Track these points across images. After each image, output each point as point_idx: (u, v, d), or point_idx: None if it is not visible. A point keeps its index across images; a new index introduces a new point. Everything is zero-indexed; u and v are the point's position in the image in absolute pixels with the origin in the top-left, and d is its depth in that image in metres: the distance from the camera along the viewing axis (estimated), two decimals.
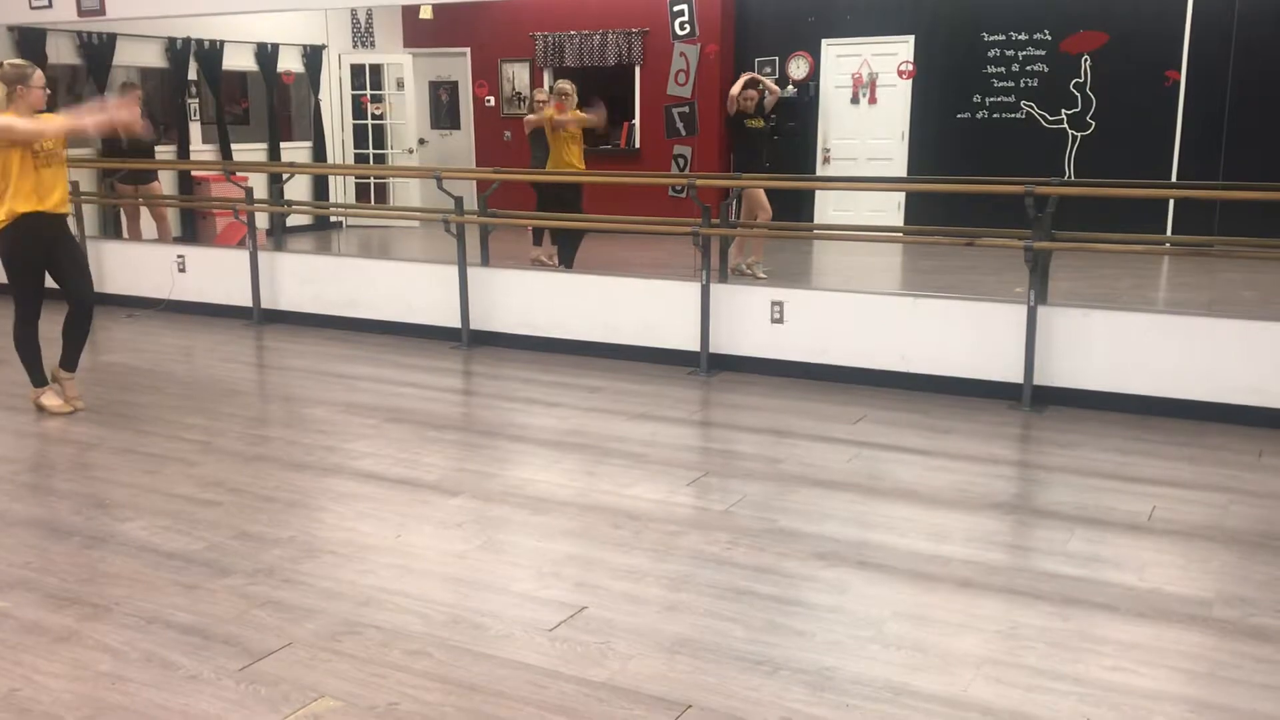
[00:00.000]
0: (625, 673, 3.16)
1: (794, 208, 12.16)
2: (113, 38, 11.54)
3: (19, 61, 5.66)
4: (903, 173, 12.74)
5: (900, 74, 12.56)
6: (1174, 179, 11.24)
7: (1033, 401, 5.80)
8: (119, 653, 3.29)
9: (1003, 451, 5.25)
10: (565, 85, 9.06)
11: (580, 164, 9.17)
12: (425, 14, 13.33)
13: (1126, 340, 5.67)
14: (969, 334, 6.01)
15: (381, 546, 4.09)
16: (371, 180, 14.55)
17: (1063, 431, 5.44)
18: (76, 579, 3.82)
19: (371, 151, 14.52)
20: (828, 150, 13.27)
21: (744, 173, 8.55)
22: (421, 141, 14.81)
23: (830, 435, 5.41)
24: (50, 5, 8.58)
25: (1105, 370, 5.72)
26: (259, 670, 3.19)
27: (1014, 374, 5.87)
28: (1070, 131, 12.06)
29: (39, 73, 5.51)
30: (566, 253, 8.81)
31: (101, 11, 8.34)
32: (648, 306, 6.89)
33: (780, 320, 6.45)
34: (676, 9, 13.56)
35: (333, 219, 14.39)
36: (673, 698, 3.03)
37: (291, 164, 13.02)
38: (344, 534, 4.21)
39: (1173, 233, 10.77)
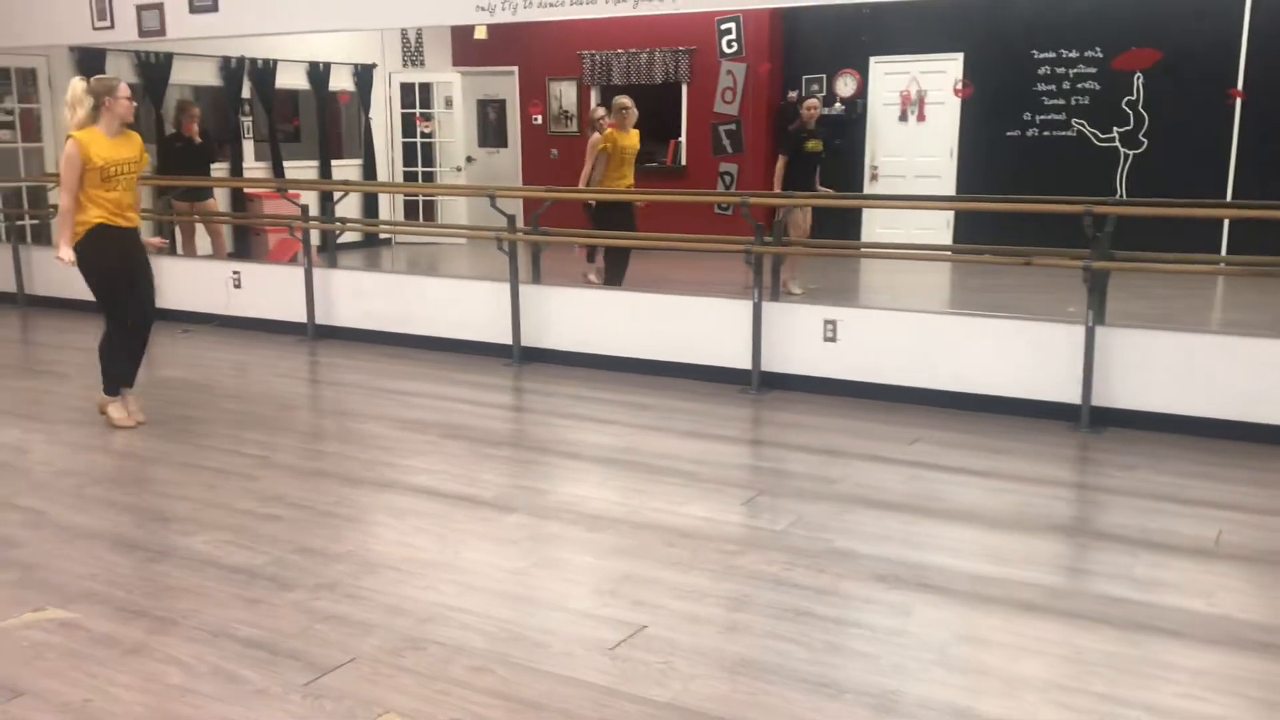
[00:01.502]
0: (688, 693, 3.16)
1: (841, 226, 12.12)
2: (169, 57, 11.77)
3: (104, 75, 5.78)
4: (951, 190, 12.69)
5: (956, 92, 12.50)
6: (1229, 198, 11.10)
7: (1090, 422, 5.74)
8: (188, 666, 3.34)
9: (1062, 473, 5.20)
10: (625, 100, 9.05)
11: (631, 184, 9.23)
12: (480, 34, 13.46)
13: (1187, 361, 5.60)
14: (1025, 354, 5.97)
15: (440, 562, 4.11)
16: (420, 198, 14.70)
17: (1122, 453, 5.38)
18: (143, 592, 3.87)
19: (420, 169, 14.67)
20: (875, 168, 13.23)
21: (796, 193, 8.58)
22: (469, 159, 14.93)
23: (886, 455, 5.39)
24: (112, 26, 8.73)
25: (1165, 391, 5.65)
26: (325, 685, 3.21)
27: (1071, 394, 5.82)
28: (1122, 149, 11.95)
29: (124, 85, 5.65)
30: (615, 272, 8.82)
31: (162, 32, 8.49)
32: (699, 324, 6.90)
33: (833, 339, 6.43)
34: (724, 28, 13.62)
35: (382, 236, 14.53)
36: (736, 719, 3.02)
37: (348, 182, 13.22)
38: (403, 550, 4.24)
39: (1229, 252, 10.64)
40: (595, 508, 4.69)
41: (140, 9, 8.53)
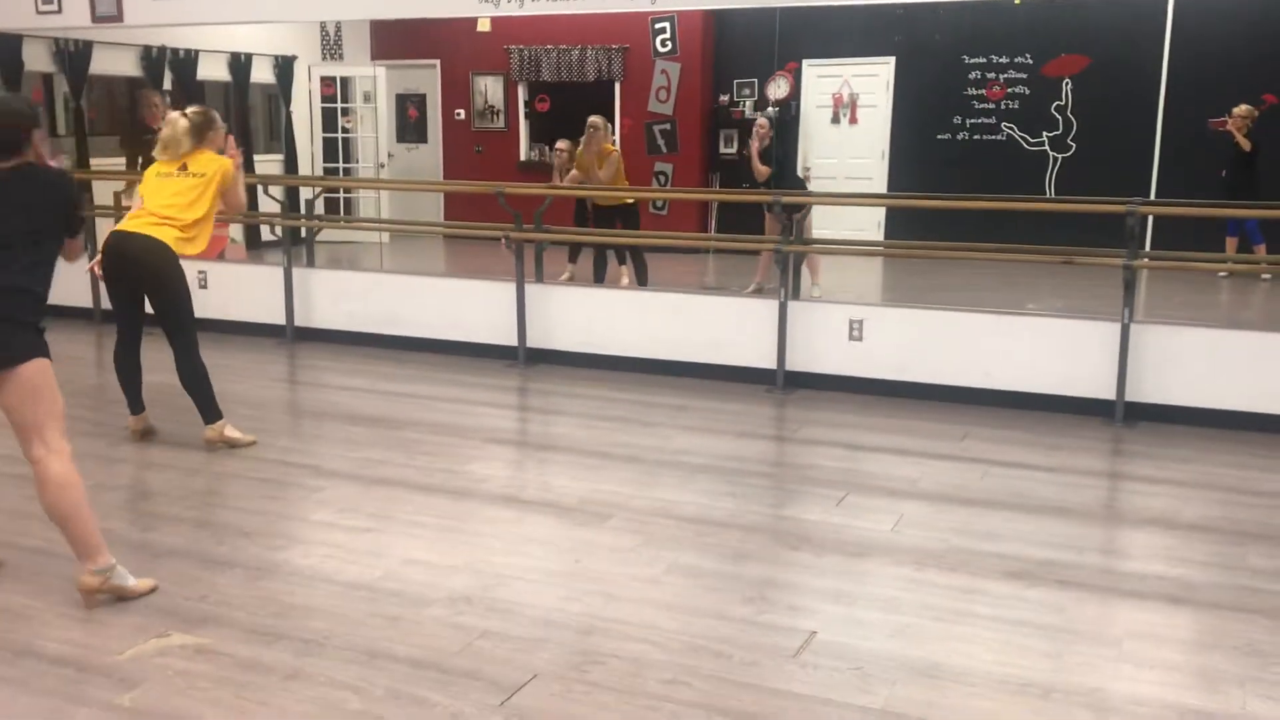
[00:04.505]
0: (899, 699, 3.10)
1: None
2: (89, 45, 11.10)
3: (202, 108, 5.54)
4: (883, 190, 12.93)
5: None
6: (1153, 197, 11.55)
7: (1125, 417, 5.89)
8: (362, 690, 3.13)
9: (1126, 467, 5.33)
10: (596, 120, 8.96)
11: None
12: (484, 26, 13.14)
13: (1217, 357, 5.79)
14: (1056, 350, 6.09)
15: (566, 572, 3.97)
16: (340, 194, 14.24)
17: (1168, 446, 5.53)
18: (267, 613, 3.62)
19: (341, 165, 14.20)
20: (808, 169, 13.36)
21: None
22: (389, 155, 14.54)
23: (947, 453, 5.42)
24: (60, 10, 8.20)
25: (1195, 386, 5.83)
26: (521, 705, 3.05)
27: (1101, 389, 5.96)
28: (1051, 153, 12.36)
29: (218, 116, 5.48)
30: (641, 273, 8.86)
31: (119, 18, 8.00)
32: (719, 324, 6.84)
33: (859, 338, 6.46)
34: (658, 26, 13.57)
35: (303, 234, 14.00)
36: None
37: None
38: (520, 559, 4.07)
39: (1152, 247, 11.06)
40: (691, 511, 4.58)
41: None
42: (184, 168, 5.31)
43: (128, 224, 5.32)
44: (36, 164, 3.65)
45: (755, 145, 9.24)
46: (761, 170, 9.16)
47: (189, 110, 5.46)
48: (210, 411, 5.43)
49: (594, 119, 8.91)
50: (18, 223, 3.55)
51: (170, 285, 5.33)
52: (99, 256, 5.40)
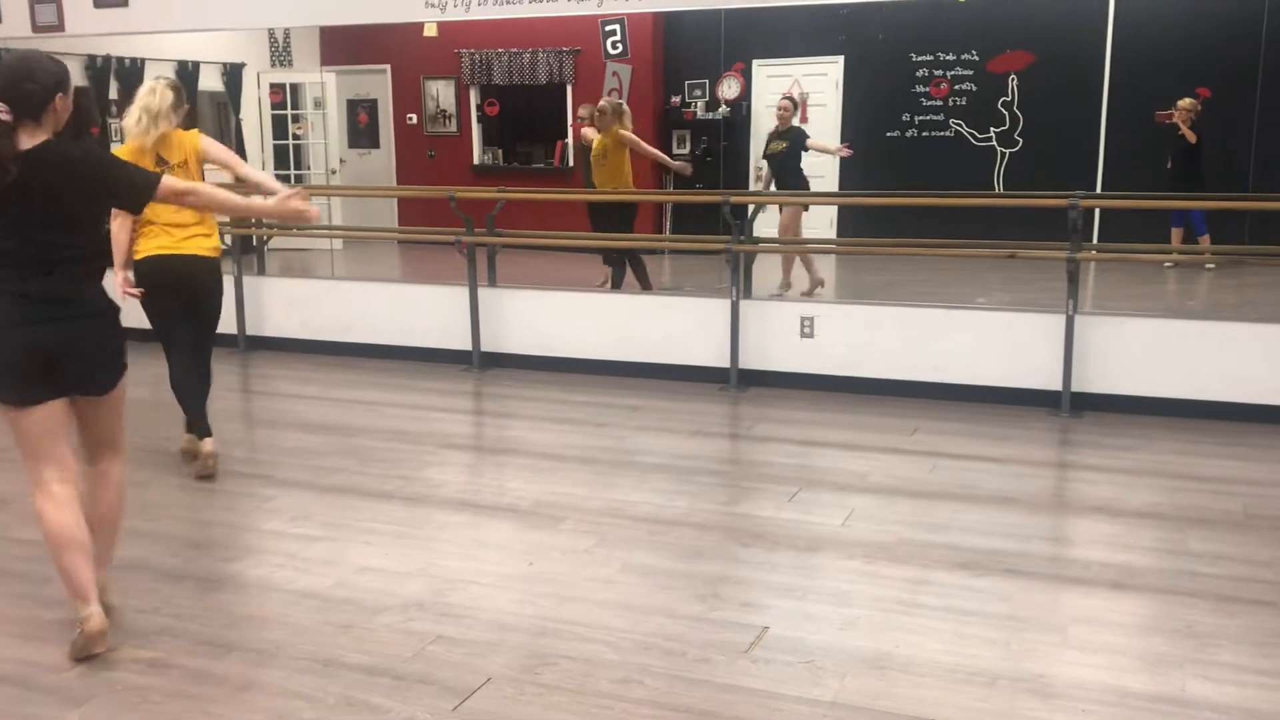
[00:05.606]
0: (849, 691, 3.15)
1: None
2: None
3: (173, 80, 5.11)
4: (834, 188, 13.01)
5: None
6: (1098, 191, 11.72)
7: (1070, 407, 5.98)
8: (315, 699, 3.13)
9: (1070, 456, 5.42)
10: (604, 104, 8.96)
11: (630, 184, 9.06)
12: (430, 31, 13.07)
13: (1158, 346, 5.90)
14: (1003, 343, 6.18)
15: (520, 575, 3.98)
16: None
17: (1113, 435, 5.63)
18: (218, 624, 3.61)
19: (292, 172, 14.10)
20: (760, 168, 13.42)
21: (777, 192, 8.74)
22: (341, 161, 14.47)
23: (897, 447, 5.48)
24: None
25: (1137, 375, 5.94)
26: (475, 709, 3.07)
27: (1047, 381, 6.05)
28: (999, 149, 12.49)
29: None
30: (619, 274, 8.73)
31: (60, 28, 7.92)
32: (673, 324, 6.88)
33: (810, 335, 6.51)
34: (608, 29, 13.57)
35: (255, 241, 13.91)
36: (910, 714, 3.03)
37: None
38: (474, 564, 4.09)
39: (1099, 240, 11.24)
40: (645, 511, 4.61)
41: (34, 2, 7.94)
42: (163, 161, 4.82)
43: (164, 245, 4.94)
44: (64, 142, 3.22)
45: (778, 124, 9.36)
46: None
47: (162, 80, 4.97)
48: (204, 423, 5.24)
49: (601, 103, 8.92)
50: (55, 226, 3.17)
51: (220, 300, 5.32)
52: (122, 275, 4.93)
